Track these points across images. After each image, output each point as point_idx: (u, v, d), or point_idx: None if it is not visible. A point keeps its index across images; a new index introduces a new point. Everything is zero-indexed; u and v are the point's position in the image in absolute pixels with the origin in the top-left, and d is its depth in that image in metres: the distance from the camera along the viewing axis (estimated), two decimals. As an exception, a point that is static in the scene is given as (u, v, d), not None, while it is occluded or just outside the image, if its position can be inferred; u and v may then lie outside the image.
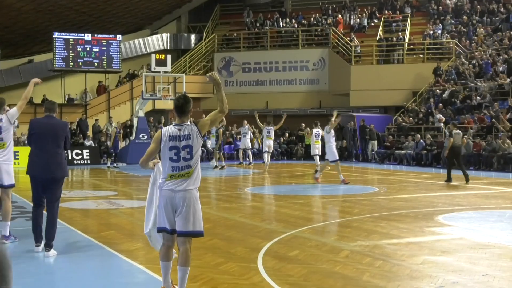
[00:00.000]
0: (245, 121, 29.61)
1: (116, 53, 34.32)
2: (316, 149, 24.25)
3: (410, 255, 8.90)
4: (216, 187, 21.33)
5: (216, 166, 27.05)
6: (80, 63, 33.67)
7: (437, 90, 32.42)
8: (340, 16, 39.60)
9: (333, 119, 21.23)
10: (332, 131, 20.86)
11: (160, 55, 31.96)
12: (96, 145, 31.53)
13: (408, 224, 11.68)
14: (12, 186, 9.91)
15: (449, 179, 20.22)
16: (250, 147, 29.27)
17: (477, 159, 26.11)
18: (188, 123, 6.54)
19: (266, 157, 26.13)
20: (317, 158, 24.12)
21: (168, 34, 41.05)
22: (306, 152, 33.16)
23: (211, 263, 8.35)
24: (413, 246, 9.59)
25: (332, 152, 20.54)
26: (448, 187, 18.99)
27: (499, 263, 8.45)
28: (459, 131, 21.66)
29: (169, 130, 6.50)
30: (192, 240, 9.85)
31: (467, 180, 19.91)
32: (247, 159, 29.21)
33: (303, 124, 33.57)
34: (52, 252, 8.74)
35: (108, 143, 28.36)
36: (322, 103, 36.51)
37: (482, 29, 35.57)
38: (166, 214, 6.45)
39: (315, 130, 25.44)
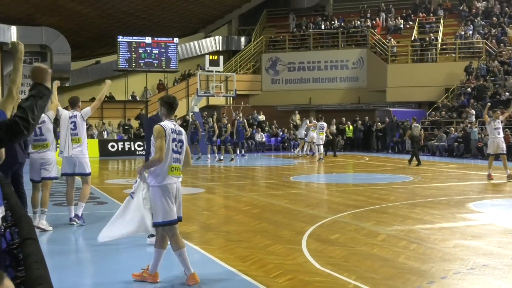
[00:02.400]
0: (312, 117, 29.64)
1: (174, 55, 34.60)
2: (320, 140, 26.32)
3: (443, 239, 8.79)
4: (264, 175, 21.38)
5: (232, 159, 25.94)
6: (142, 64, 34.05)
7: (468, 89, 31.85)
8: (377, 19, 39.25)
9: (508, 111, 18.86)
10: (495, 123, 17.47)
11: (213, 56, 32.11)
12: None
13: (440, 211, 11.54)
14: (88, 174, 10.28)
15: (418, 163, 22.37)
16: (315, 142, 28.67)
17: (507, 150, 25.56)
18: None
19: (321, 149, 26.84)
20: (321, 147, 26.47)
21: (220, 37, 41.18)
22: (346, 144, 33.06)
23: (260, 245, 8.38)
24: (445, 231, 9.47)
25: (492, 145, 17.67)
26: (480, 177, 18.67)
27: (527, 247, 8.31)
28: (418, 125, 24.15)
29: (168, 125, 6.52)
30: (242, 224, 9.96)
31: (419, 162, 22.40)
32: (306, 151, 28.98)
33: (344, 118, 33.41)
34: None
35: None
36: (360, 99, 36.26)
37: (511, 29, 34.81)
38: (173, 206, 6.48)
39: (319, 123, 26.34)
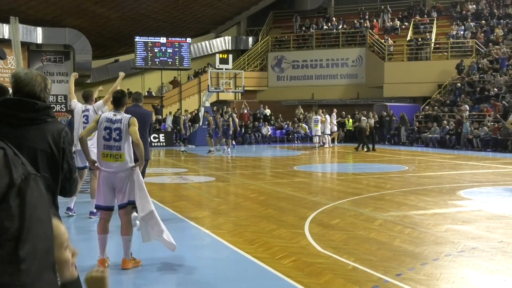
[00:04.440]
0: (320, 110, 29.59)
1: (187, 53, 34.61)
2: (316, 131, 27.68)
3: (435, 224, 8.78)
4: (270, 165, 21.38)
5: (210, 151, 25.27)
6: (157, 62, 34.09)
7: (458, 84, 31.73)
8: (375, 20, 39.12)
9: None
10: None
11: (223, 55, 32.07)
12: (171, 130, 31.89)
13: (433, 198, 11.52)
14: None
15: (368, 149, 24.32)
16: (321, 133, 28.51)
17: (495, 141, 25.50)
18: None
19: (327, 139, 28.04)
20: (317, 138, 27.84)
21: (230, 37, 41.12)
22: (347, 136, 33.01)
23: (266, 229, 8.40)
24: (437, 216, 9.46)
25: None
26: (470, 167, 18.62)
27: (513, 231, 8.29)
28: (365, 118, 26.01)
29: (107, 114, 6.65)
30: (250, 210, 9.95)
31: (368, 149, 24.50)
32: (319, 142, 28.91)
33: (344, 112, 33.37)
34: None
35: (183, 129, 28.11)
36: (359, 94, 36.19)
37: (499, 30, 34.62)
38: (106, 191, 6.50)
39: (314, 117, 26.63)
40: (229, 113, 26.66)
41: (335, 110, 31.26)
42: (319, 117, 27.61)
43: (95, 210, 9.66)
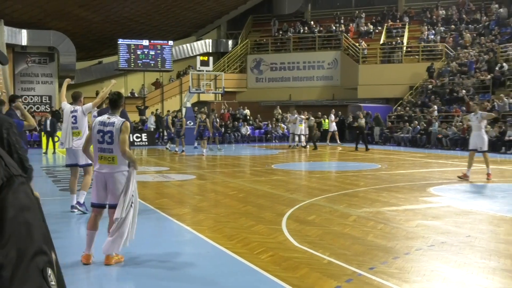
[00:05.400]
0: (295, 110, 29.57)
1: (169, 56, 34.46)
2: (299, 130, 27.93)
3: (406, 219, 8.84)
4: (249, 164, 21.38)
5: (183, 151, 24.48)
6: (140, 64, 33.90)
7: (429, 86, 32.04)
8: (350, 24, 39.32)
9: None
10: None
11: (204, 57, 32.00)
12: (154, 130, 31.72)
13: (405, 194, 11.61)
14: (89, 165, 9.81)
15: (356, 149, 24.93)
16: (300, 132, 28.54)
17: (462, 141, 25.76)
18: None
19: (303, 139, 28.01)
20: (300, 137, 27.97)
21: (210, 40, 41.06)
22: (323, 135, 33.11)
23: (245, 225, 8.39)
24: (408, 212, 9.52)
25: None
26: (439, 165, 18.79)
27: (480, 226, 8.37)
28: (363, 118, 26.09)
29: (100, 118, 6.60)
30: (229, 207, 9.91)
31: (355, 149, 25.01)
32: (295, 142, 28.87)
33: (320, 113, 33.45)
34: None
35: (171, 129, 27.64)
36: (335, 95, 36.36)
37: (468, 34, 35.00)
38: (101, 191, 6.51)
39: (298, 117, 26.83)
40: (206, 113, 26.44)
41: (333, 110, 31.28)
42: (303, 117, 27.76)
43: (82, 201, 9.67)
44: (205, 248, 7.16)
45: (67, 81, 10.51)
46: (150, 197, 11.52)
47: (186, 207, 10.31)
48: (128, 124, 6.49)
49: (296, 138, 28.37)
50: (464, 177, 14.06)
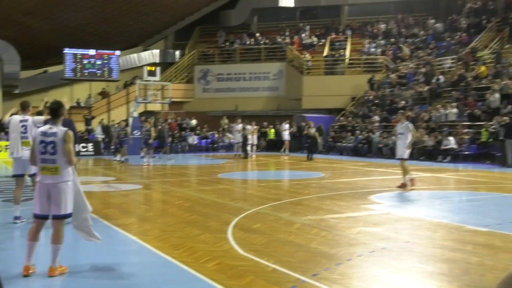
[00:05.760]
0: (239, 120, 29.50)
1: (116, 65, 33.99)
2: (250, 140, 28.25)
3: (349, 226, 8.96)
4: (195, 173, 21.26)
5: (122, 161, 24.48)
6: (86, 73, 33.30)
7: (370, 97, 32.72)
8: (295, 37, 39.77)
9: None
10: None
11: (151, 67, 31.73)
12: (104, 139, 31.16)
13: (347, 202, 11.77)
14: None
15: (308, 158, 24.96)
16: (241, 141, 28.59)
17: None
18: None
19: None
20: (250, 146, 28.26)
21: (158, 50, 40.74)
22: (268, 145, 33.30)
23: (191, 234, 8.33)
24: (351, 220, 9.66)
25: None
26: (380, 173, 19.16)
27: (418, 232, 8.57)
28: (314, 128, 26.82)
29: (42, 128, 6.44)
30: (176, 216, 9.85)
31: (311, 159, 25.10)
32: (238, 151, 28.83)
33: (265, 123, 33.68)
34: None
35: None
36: (280, 106, 36.65)
37: (406, 48, 35.96)
38: (43, 202, 6.31)
39: (249, 127, 27.14)
40: (152, 123, 26.10)
41: (288, 120, 31.43)
42: (249, 127, 28.17)
43: (18, 214, 9.40)
44: (151, 257, 7.05)
45: (14, 109, 10.29)
46: (96, 207, 11.25)
47: (132, 217, 10.16)
48: (71, 133, 6.34)
49: (249, 148, 28.49)
50: (402, 186, 14.29)
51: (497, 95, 24.33)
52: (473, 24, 33.79)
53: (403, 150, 14.41)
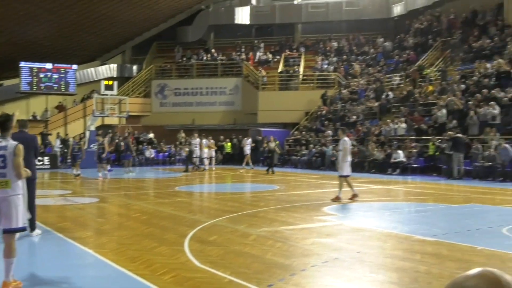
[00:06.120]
0: (196, 134, 29.30)
1: (72, 79, 33.41)
2: (206, 154, 28.39)
3: (303, 238, 9.00)
4: (153, 186, 21.03)
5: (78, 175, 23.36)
6: (42, 87, 32.60)
7: (323, 112, 33.13)
8: (250, 53, 40.01)
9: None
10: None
11: (108, 81, 31.34)
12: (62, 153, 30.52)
13: (301, 214, 11.83)
14: None
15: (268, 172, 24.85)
16: (198, 155, 28.45)
17: (353, 163, 26.68)
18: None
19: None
20: (203, 160, 28.37)
21: (115, 65, 40.31)
22: (225, 158, 33.22)
23: (148, 247, 8.21)
24: (305, 231, 9.70)
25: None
26: (333, 186, 19.34)
27: (369, 243, 8.67)
28: (274, 142, 26.83)
29: None
30: (132, 229, 9.69)
31: (272, 172, 24.87)
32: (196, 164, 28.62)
33: (222, 137, 33.63)
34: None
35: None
36: (236, 120, 36.67)
37: (357, 65, 36.62)
38: None
39: (205, 141, 27.07)
40: (107, 136, 25.62)
41: (249, 134, 31.47)
42: (206, 140, 28.21)
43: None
44: (107, 271, 6.91)
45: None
46: (52, 220, 11.01)
47: (89, 230, 9.95)
48: (21, 147, 6.16)
49: (206, 162, 28.38)
50: (353, 198, 14.33)
51: (444, 111, 24.99)
52: (419, 43, 34.71)
53: (341, 166, 14.49)
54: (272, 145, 26.80)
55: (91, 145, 28.21)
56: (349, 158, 14.60)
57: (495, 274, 1.36)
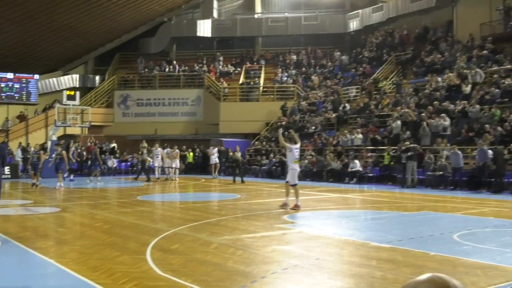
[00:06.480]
0: (157, 144, 28.99)
1: (34, 89, 32.68)
2: (167, 163, 27.67)
3: (263, 245, 9.00)
4: (115, 196, 20.71)
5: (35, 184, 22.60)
6: (3, 97, 31.78)
7: (283, 122, 33.31)
8: (212, 65, 40.00)
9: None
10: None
11: (70, 91, 30.83)
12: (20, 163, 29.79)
13: (262, 222, 11.83)
14: None
15: (234, 182, 24.69)
16: (161, 165, 28.07)
17: (312, 172, 26.96)
18: None
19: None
20: (169, 169, 27.77)
21: (77, 75, 39.67)
22: (187, 168, 32.98)
23: (109, 256, 8.06)
24: (265, 239, 9.70)
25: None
26: (292, 194, 19.41)
27: (327, 249, 8.73)
28: (239, 152, 26.93)
29: None
30: (94, 238, 9.47)
31: (242, 181, 24.68)
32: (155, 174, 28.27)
33: (184, 146, 33.42)
34: None
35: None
36: (198, 130, 36.56)
37: (316, 77, 37.01)
38: None
39: (166, 150, 26.93)
40: (73, 146, 25.11)
41: (215, 143, 31.17)
42: (164, 150, 28.00)
43: None
44: (68, 280, 6.75)
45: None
46: (12, 230, 10.71)
47: (50, 240, 9.72)
48: None
49: (171, 171, 28.02)
50: (295, 208, 14.21)
51: (398, 122, 25.46)
52: (375, 57, 35.36)
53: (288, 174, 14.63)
54: (238, 154, 26.79)
55: (53, 155, 27.62)
56: (294, 167, 14.57)
57: (444, 279, 1.41)
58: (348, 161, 25.34)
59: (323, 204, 15.83)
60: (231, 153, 27.85)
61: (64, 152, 23.29)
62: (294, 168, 14.55)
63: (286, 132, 22.10)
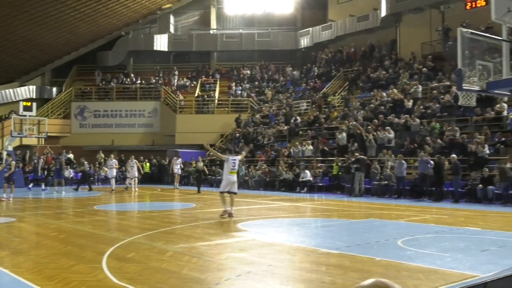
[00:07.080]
0: (112, 155, 28.42)
1: (-10, 100, 31.66)
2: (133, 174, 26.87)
3: (218, 253, 8.96)
4: (71, 205, 20.20)
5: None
6: (-42, 107, 30.66)
7: (237, 134, 33.37)
8: (168, 78, 39.75)
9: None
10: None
11: (27, 102, 29.97)
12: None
13: (216, 230, 11.79)
14: None
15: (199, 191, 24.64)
16: (135, 176, 27.42)
17: (265, 182, 27.05)
18: None
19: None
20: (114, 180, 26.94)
21: (34, 86, 38.68)
22: (144, 178, 32.45)
23: (65, 265, 7.85)
24: (219, 246, 9.66)
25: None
26: (246, 203, 19.43)
27: (280, 256, 8.76)
28: (202, 162, 27.07)
29: None
30: (50, 248, 9.20)
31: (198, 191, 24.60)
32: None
33: (142, 157, 32.97)
34: None
35: None
36: (154, 141, 36.19)
37: (269, 91, 37.28)
38: None
39: (113, 161, 26.60)
40: (13, 156, 24.03)
41: (179, 154, 30.64)
42: (115, 161, 27.53)
43: None
44: (23, 290, 6.54)
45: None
46: (-35, 241, 10.29)
47: (5, 250, 9.37)
48: None
49: (132, 181, 27.31)
50: (227, 214, 14.23)
51: (344, 134, 25.87)
52: (324, 73, 35.92)
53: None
54: (201, 165, 26.61)
55: (8, 166, 26.73)
56: (228, 177, 14.49)
57: (386, 283, 1.44)
58: (299, 171, 25.55)
59: (276, 212, 15.88)
60: (193, 164, 27.63)
61: (13, 162, 22.28)
62: (227, 178, 14.51)
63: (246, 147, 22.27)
